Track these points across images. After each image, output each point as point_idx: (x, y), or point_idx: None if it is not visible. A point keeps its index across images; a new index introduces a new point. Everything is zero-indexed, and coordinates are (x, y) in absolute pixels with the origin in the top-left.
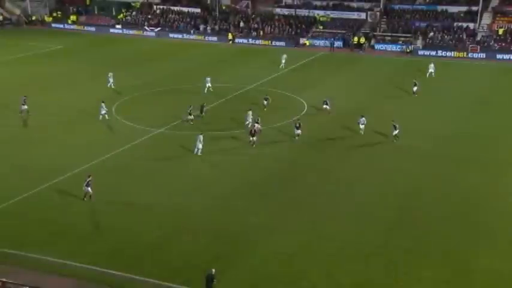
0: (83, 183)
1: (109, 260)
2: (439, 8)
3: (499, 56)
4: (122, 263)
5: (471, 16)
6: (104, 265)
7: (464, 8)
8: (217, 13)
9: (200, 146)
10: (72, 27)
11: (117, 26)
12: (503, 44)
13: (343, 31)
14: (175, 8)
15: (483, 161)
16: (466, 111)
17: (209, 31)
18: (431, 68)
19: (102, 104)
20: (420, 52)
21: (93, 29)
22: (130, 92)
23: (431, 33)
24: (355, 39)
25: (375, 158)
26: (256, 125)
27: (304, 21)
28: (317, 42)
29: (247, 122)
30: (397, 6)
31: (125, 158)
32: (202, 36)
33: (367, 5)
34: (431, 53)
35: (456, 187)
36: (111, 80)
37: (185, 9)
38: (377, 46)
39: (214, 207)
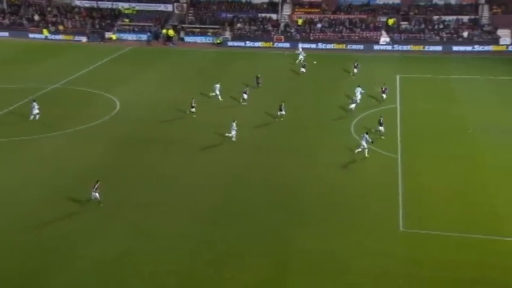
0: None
1: None
2: None
3: (301, 45)
4: None
5: (273, 7)
6: None
7: None
8: (5, 5)
9: (234, 132)
10: None
11: None
12: (304, 34)
13: (151, 24)
14: None
15: (295, 148)
16: (277, 101)
17: None
18: (301, 55)
19: (34, 104)
20: (230, 43)
21: None
22: None
23: (239, 24)
24: (164, 31)
25: (195, 151)
26: None
27: (108, 14)
28: (124, 36)
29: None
30: None
31: None
32: None
33: None
34: (240, 44)
35: (275, 174)
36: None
37: None
38: (187, 38)
39: (23, 218)
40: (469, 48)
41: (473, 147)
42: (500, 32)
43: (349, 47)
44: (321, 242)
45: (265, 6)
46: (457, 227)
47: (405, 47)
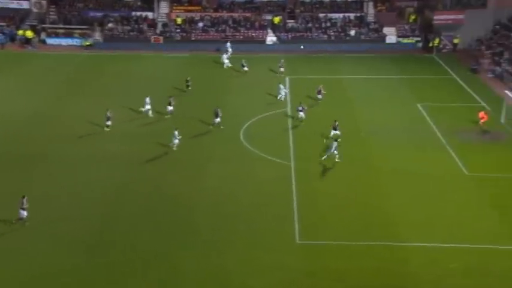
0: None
1: None
2: None
3: (181, 46)
4: None
5: (148, 5)
6: None
7: None
8: None
9: (176, 141)
10: None
11: None
12: (184, 34)
13: (3, 23)
14: None
15: (180, 160)
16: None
17: None
18: (226, 58)
19: None
20: (101, 46)
21: None
22: None
23: (110, 24)
24: (21, 32)
25: (65, 168)
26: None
27: None
28: None
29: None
30: None
31: None
32: None
33: None
34: (113, 46)
35: (158, 189)
36: None
37: None
38: (49, 41)
39: None
40: (357, 46)
41: (365, 149)
42: (386, 30)
43: (234, 47)
44: (213, 259)
45: (139, 3)
46: (354, 234)
47: (293, 47)
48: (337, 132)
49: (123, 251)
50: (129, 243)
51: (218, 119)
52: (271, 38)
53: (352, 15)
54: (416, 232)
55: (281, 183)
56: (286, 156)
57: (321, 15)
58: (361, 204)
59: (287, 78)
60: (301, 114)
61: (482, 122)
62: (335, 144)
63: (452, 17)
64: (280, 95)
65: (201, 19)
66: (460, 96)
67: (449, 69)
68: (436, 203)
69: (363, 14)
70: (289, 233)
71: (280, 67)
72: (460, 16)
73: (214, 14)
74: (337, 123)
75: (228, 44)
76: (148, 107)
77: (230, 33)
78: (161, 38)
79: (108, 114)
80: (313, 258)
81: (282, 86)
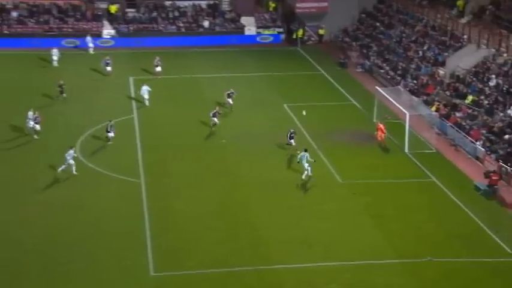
0: None
1: None
2: None
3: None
4: None
5: None
6: None
7: None
8: None
9: (72, 162)
10: None
11: None
12: None
13: None
14: None
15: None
16: None
17: None
18: (55, 56)
19: None
20: None
21: None
22: None
23: None
24: None
25: None
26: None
27: None
28: None
29: None
30: None
31: None
32: None
33: None
34: None
35: None
36: None
37: None
38: None
39: None
40: (212, 39)
41: (228, 159)
42: (244, 20)
43: (64, 42)
44: None
45: None
46: (220, 260)
47: (136, 41)
48: (292, 141)
49: None
50: None
51: (112, 134)
52: (108, 31)
53: (203, 3)
54: (290, 251)
55: (129, 205)
56: (134, 172)
57: (168, 2)
58: (227, 224)
59: (130, 79)
60: (215, 119)
61: (382, 137)
62: (306, 154)
63: (315, 4)
64: (146, 99)
65: (15, 7)
66: (329, 94)
67: (316, 64)
68: (309, 215)
69: (216, 1)
70: (142, 265)
71: (156, 66)
72: (324, 4)
73: (32, 1)
74: (293, 131)
75: (89, 38)
76: (32, 123)
77: (55, 25)
78: None
79: None
80: None
81: (145, 88)
